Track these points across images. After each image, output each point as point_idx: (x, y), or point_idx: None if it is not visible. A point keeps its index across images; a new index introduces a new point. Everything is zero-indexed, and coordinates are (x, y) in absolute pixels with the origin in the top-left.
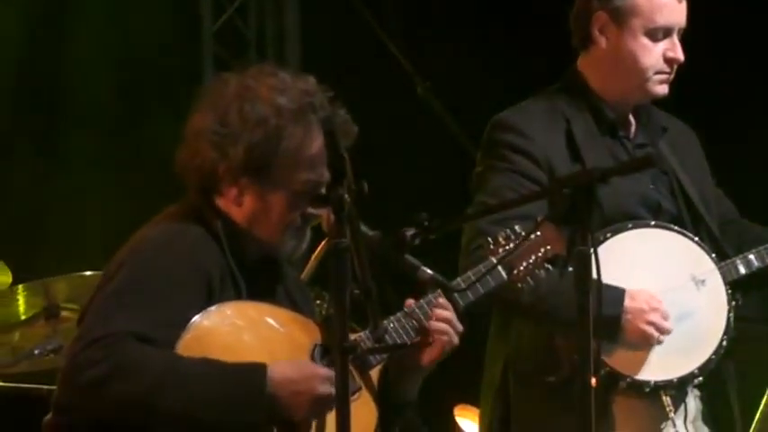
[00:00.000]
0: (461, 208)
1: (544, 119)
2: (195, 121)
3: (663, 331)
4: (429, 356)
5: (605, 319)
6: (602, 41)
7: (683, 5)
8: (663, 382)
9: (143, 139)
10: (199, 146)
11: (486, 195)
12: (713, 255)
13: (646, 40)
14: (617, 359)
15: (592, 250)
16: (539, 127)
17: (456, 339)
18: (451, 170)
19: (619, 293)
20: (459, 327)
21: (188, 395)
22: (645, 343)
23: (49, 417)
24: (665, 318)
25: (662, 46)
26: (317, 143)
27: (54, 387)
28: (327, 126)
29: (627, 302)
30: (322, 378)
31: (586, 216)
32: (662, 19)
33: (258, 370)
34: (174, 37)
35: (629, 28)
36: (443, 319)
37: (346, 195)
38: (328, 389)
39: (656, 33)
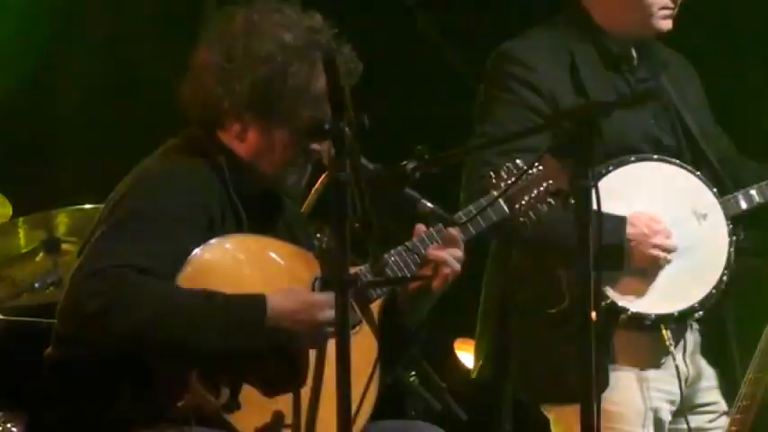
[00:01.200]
0: (462, 141)
1: (549, 51)
2: (200, 55)
3: (669, 250)
4: (434, 285)
5: (608, 248)
6: None
7: None
8: (663, 315)
9: (143, 71)
10: (203, 80)
11: (490, 126)
12: (714, 189)
13: None
14: (619, 291)
15: (592, 184)
16: (543, 59)
17: (458, 267)
18: (452, 103)
19: (619, 222)
20: (460, 253)
21: (187, 324)
22: (653, 266)
23: (49, 350)
24: (669, 236)
25: None
26: (322, 81)
27: (54, 320)
28: (327, 57)
29: (628, 230)
30: (321, 304)
31: (587, 149)
32: None
33: (258, 299)
34: None
35: None
36: (440, 251)
37: (347, 128)
38: (328, 315)
39: None
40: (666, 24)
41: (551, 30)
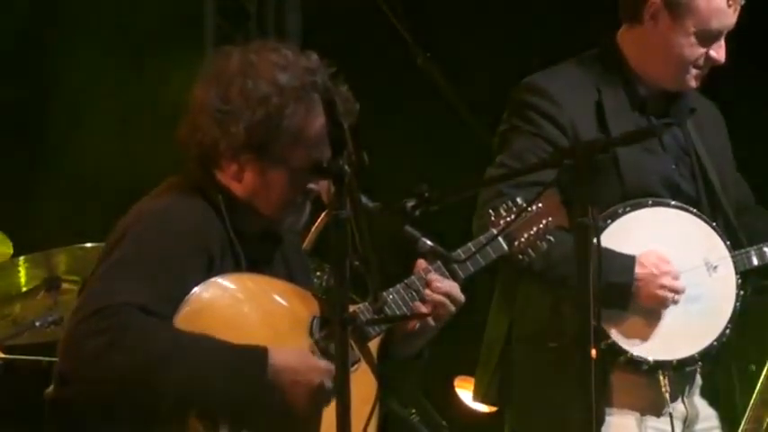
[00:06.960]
0: (462, 179)
1: (575, 86)
2: (197, 96)
3: (676, 291)
4: (431, 324)
5: (616, 286)
6: (651, 25)
7: (737, 9)
8: (662, 361)
9: (144, 110)
10: (200, 121)
11: (507, 157)
12: (728, 242)
13: (694, 40)
14: (622, 332)
15: (594, 222)
16: (569, 94)
17: (453, 308)
18: (452, 142)
19: (629, 261)
20: (460, 297)
21: (188, 372)
22: (659, 307)
23: (50, 389)
24: (676, 277)
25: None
26: (318, 121)
27: (55, 359)
28: (326, 96)
29: (637, 269)
30: (322, 371)
31: (588, 186)
32: (716, 23)
33: (260, 354)
34: (175, 8)
35: (682, 24)
36: (440, 290)
37: (346, 166)
38: (327, 383)
39: (708, 36)
40: (695, 83)
41: (581, 65)
